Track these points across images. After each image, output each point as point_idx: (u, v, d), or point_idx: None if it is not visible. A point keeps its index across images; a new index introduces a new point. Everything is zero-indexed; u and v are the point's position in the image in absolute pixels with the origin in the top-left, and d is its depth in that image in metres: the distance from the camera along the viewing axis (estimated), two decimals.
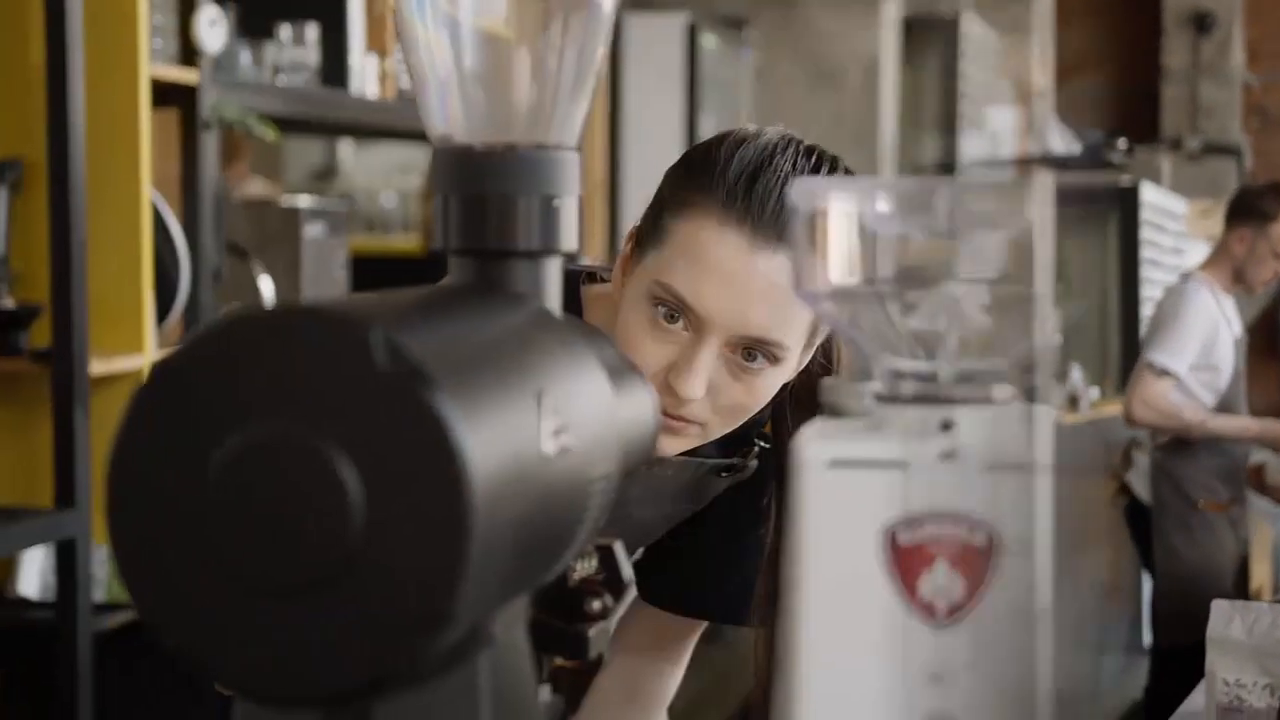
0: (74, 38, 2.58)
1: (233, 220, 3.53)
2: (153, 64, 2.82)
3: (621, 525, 0.96)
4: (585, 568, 0.85)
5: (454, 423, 0.60)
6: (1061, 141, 6.96)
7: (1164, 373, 4.38)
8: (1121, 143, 7.34)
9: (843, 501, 0.68)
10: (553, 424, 0.69)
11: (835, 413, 0.77)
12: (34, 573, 2.96)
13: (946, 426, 0.68)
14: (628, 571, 0.87)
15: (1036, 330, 0.72)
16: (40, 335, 2.66)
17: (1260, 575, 6.71)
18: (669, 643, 1.61)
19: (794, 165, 1.32)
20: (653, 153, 6.15)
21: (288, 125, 3.56)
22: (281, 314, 0.63)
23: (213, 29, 2.91)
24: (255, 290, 3.26)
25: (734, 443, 1.43)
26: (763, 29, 6.93)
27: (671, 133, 6.81)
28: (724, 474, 1.47)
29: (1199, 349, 4.42)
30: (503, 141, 0.80)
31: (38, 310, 2.65)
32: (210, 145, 2.96)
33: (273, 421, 0.61)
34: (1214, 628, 1.98)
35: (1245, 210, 4.43)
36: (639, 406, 0.86)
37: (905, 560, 0.67)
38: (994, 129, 7.50)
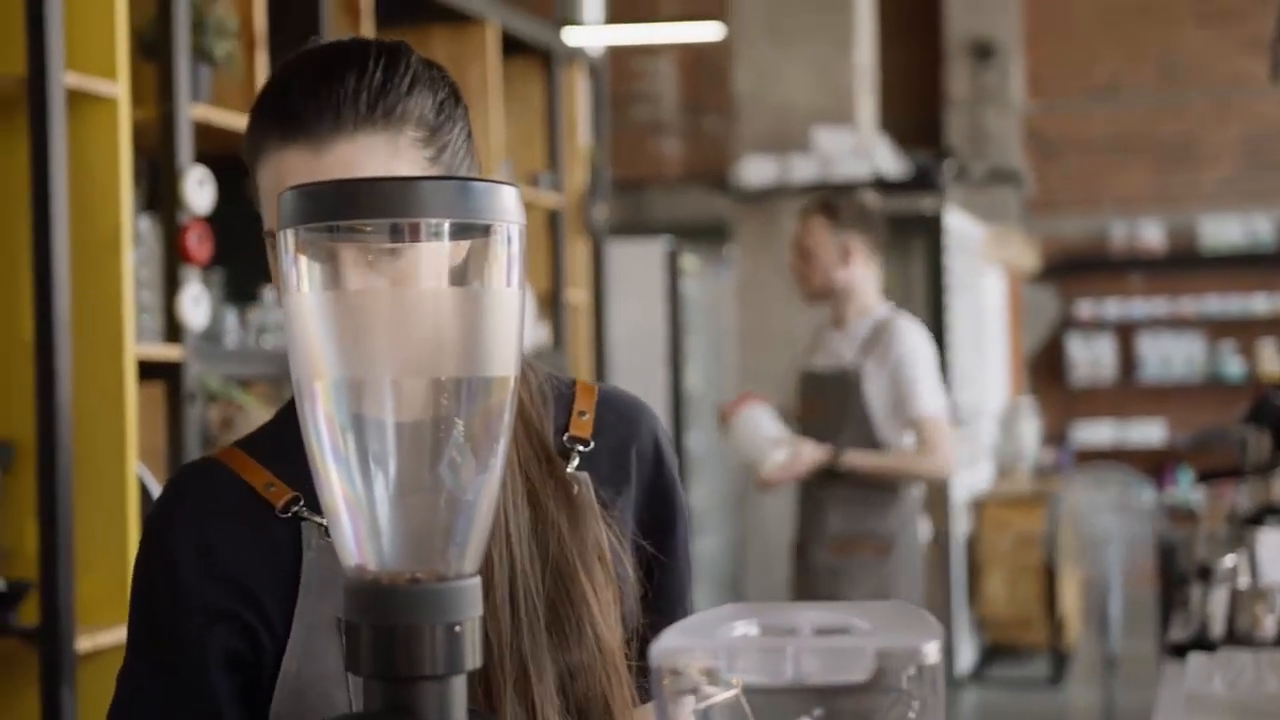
0: (61, 320, 2.69)
1: None
2: (139, 343, 2.92)
3: None
4: None
5: None
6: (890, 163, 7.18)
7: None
8: (947, 165, 7.51)
9: None
10: None
11: None
12: None
13: None
14: None
15: None
16: (29, 613, 2.72)
17: None
18: None
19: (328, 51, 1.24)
20: (639, 374, 6.28)
21: (277, 382, 3.65)
22: None
23: (197, 306, 3.03)
24: None
25: None
26: (744, 241, 7.08)
27: (656, 354, 6.95)
28: None
29: None
30: (408, 573, 0.88)
31: (27, 588, 2.72)
32: (194, 416, 3.06)
33: None
34: (1192, 685, 1.83)
35: None
36: None
37: None
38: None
